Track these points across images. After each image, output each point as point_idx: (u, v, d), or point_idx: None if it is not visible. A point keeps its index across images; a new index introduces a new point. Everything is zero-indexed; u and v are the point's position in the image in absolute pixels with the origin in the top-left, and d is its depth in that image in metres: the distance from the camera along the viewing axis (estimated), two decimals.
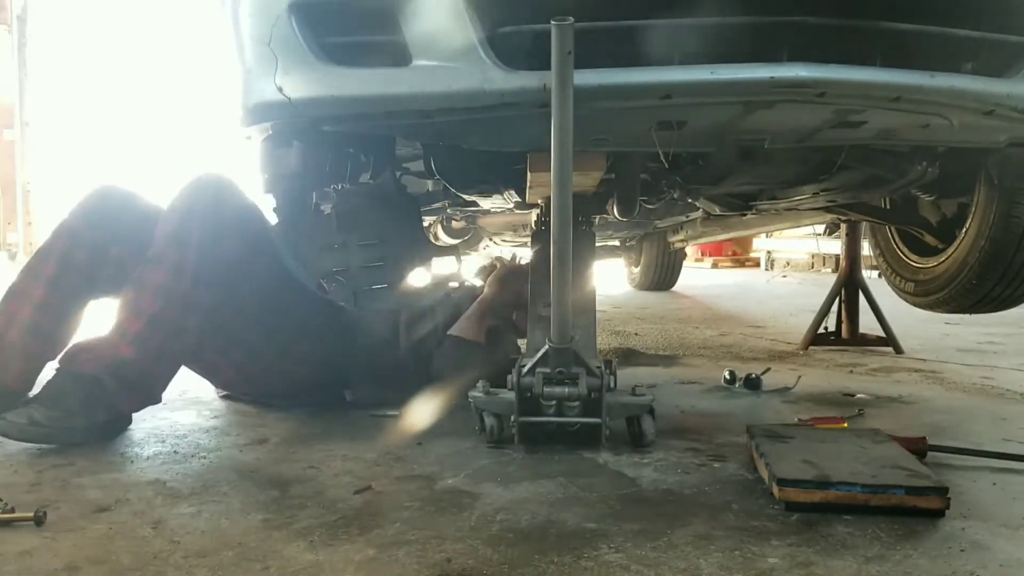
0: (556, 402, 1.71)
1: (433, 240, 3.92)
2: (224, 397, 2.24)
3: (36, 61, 7.11)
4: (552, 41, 1.44)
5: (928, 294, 2.61)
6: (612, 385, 1.77)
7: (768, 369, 2.61)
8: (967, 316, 3.05)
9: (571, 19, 1.43)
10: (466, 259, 4.55)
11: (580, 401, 1.71)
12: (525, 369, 1.72)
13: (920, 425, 1.97)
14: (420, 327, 2.24)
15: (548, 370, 1.71)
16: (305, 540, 1.23)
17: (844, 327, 3.34)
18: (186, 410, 2.11)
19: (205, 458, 1.68)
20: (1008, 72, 1.67)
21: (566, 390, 1.70)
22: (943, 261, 2.53)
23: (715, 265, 9.90)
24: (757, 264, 9.93)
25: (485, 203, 2.77)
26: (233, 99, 1.93)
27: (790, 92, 1.53)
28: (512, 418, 1.73)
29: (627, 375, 2.50)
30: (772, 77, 1.49)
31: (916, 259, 2.74)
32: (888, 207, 2.82)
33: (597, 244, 3.72)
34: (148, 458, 1.67)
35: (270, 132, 1.96)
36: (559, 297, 1.64)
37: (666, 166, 1.96)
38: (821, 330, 3.32)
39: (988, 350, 3.32)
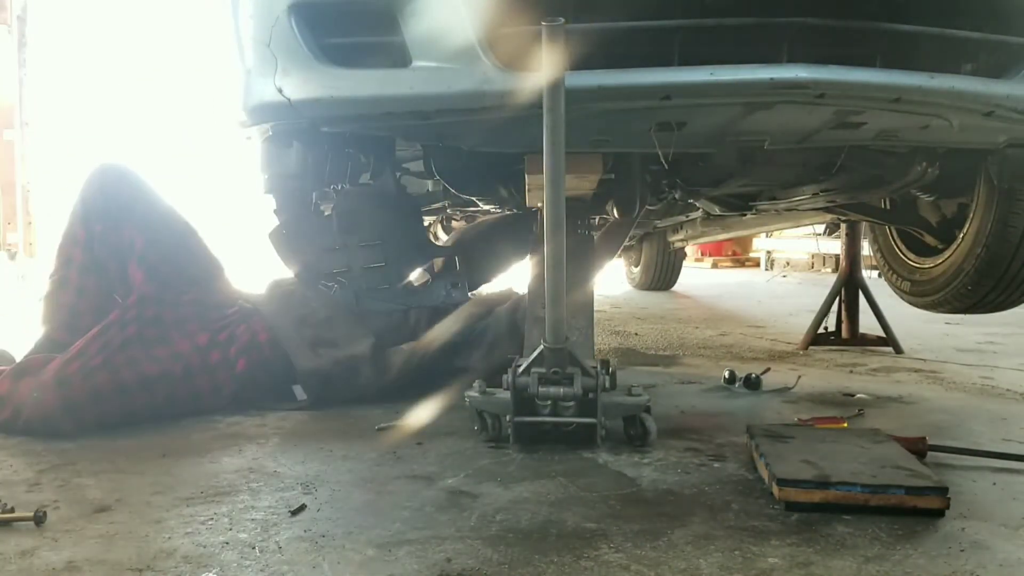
0: (551, 402, 1.72)
1: (433, 240, 3.92)
2: None
3: (36, 61, 7.11)
4: (543, 42, 1.44)
5: (925, 295, 2.61)
6: (608, 385, 1.77)
7: (768, 369, 2.61)
8: (968, 316, 3.05)
9: (562, 20, 1.43)
10: None
11: (575, 401, 1.71)
12: (520, 369, 1.73)
13: (920, 425, 1.97)
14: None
15: (543, 370, 1.71)
16: (306, 540, 1.23)
17: (844, 327, 3.33)
18: None
19: (204, 458, 1.68)
20: (1008, 73, 1.67)
21: (561, 390, 1.70)
22: (940, 264, 2.53)
23: (715, 265, 9.90)
24: (757, 264, 9.92)
25: (485, 203, 2.77)
26: (233, 100, 1.93)
27: (790, 93, 1.54)
28: (508, 418, 1.74)
29: (627, 375, 2.50)
30: (772, 78, 1.50)
31: (915, 259, 2.74)
32: (888, 207, 2.82)
33: None
34: (148, 459, 1.67)
35: (270, 133, 1.97)
36: (554, 298, 1.64)
37: (666, 167, 1.96)
38: (821, 330, 3.32)
39: (988, 350, 3.32)
